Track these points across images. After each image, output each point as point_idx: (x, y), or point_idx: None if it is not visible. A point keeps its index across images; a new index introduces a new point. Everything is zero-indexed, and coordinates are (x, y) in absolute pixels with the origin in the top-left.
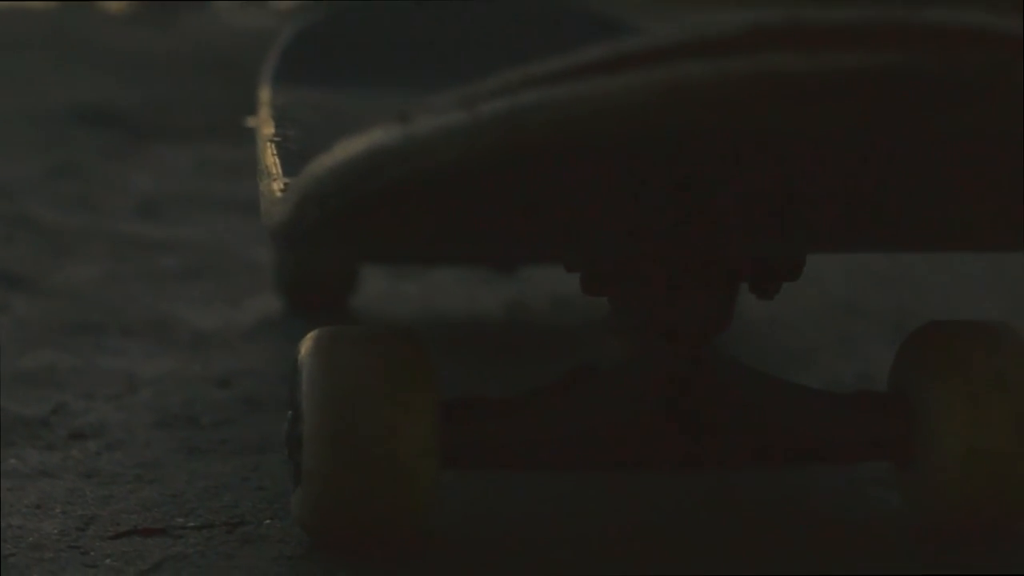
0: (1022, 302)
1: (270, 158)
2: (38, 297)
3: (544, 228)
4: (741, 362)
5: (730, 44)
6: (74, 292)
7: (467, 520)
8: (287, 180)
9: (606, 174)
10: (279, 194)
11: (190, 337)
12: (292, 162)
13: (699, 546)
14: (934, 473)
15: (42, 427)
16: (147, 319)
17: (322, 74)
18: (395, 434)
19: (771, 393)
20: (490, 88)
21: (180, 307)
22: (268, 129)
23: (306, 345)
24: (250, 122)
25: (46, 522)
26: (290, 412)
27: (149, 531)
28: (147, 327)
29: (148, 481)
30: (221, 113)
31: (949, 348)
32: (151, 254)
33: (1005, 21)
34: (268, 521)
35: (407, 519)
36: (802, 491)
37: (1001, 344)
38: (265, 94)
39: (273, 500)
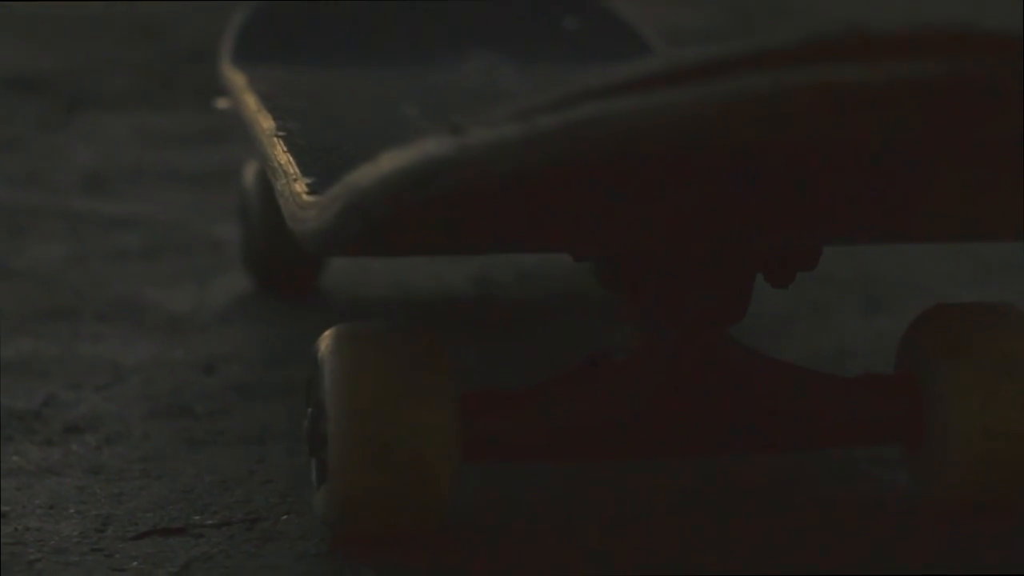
0: (985, 267)
1: (283, 156)
2: (5, 281)
3: (579, 228)
4: (753, 350)
5: (790, 56)
6: (41, 275)
7: (482, 511)
8: (308, 180)
9: (653, 180)
10: (306, 197)
11: (165, 320)
12: (305, 159)
13: (705, 531)
14: (947, 454)
15: (36, 420)
16: (119, 302)
17: (284, 51)
18: (420, 431)
19: (784, 380)
20: (548, 101)
21: (148, 288)
22: (267, 123)
23: (326, 343)
24: (220, 103)
25: (63, 523)
26: (310, 410)
27: (169, 531)
28: (120, 311)
29: (156, 476)
30: (151, 78)
31: (958, 330)
32: (109, 232)
33: None
34: (285, 517)
35: (432, 514)
36: (806, 472)
37: (1009, 326)
38: (236, 76)
39: (284, 494)
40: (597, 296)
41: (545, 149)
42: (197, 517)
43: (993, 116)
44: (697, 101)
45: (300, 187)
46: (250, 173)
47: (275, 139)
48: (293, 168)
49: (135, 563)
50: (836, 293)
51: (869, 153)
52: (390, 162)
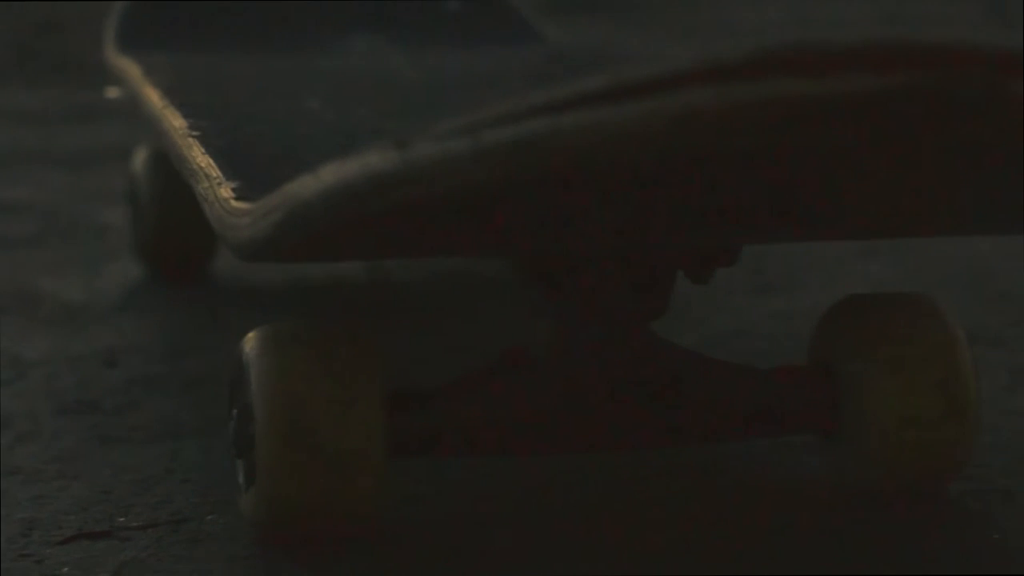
0: (870, 245)
1: (202, 159)
2: None
3: (518, 235)
4: (672, 343)
5: (737, 71)
6: None
7: (413, 508)
8: (233, 185)
9: (596, 190)
10: (236, 204)
11: (61, 311)
12: (225, 161)
13: (629, 520)
14: (865, 442)
15: None
16: (10, 292)
17: (169, 37)
18: (350, 430)
19: (706, 373)
20: (494, 116)
21: (39, 277)
22: (178, 121)
23: (251, 344)
24: (110, 92)
25: None
26: (235, 411)
27: (95, 534)
28: (13, 301)
29: (72, 477)
30: (5, 53)
31: (872, 321)
32: None
33: (1005, 42)
34: (210, 517)
35: (362, 513)
36: (723, 458)
37: (922, 315)
38: (129, 65)
39: (205, 493)
40: (484, 277)
41: (491, 164)
42: (121, 519)
43: (933, 126)
44: (644, 117)
45: (226, 192)
46: (139, 159)
47: (191, 139)
48: (216, 171)
49: (66, 569)
50: (727, 275)
51: (812, 162)
52: (333, 175)
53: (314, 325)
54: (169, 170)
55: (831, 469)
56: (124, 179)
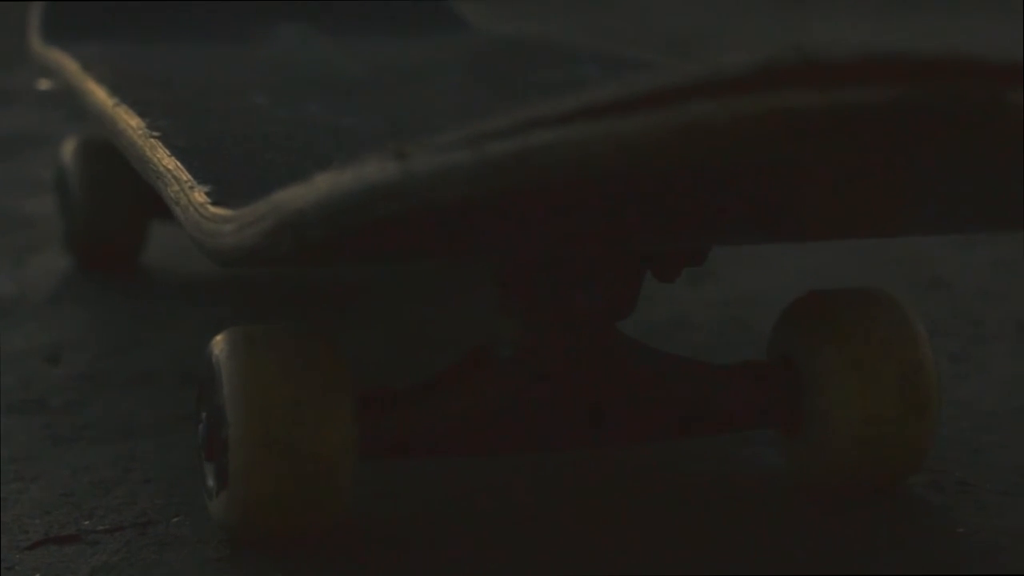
0: None
1: (169, 161)
2: None
3: (506, 240)
4: (639, 342)
5: (742, 82)
6: None
7: (382, 505)
8: (206, 189)
9: (592, 199)
10: (215, 210)
11: None
12: (192, 162)
13: (588, 519)
14: (825, 438)
15: None
16: None
17: (95, 27)
18: (323, 432)
19: (672, 370)
20: (497, 127)
21: None
22: (134, 120)
23: (221, 347)
24: (42, 84)
25: None
26: (204, 414)
27: (63, 539)
28: None
29: (31, 479)
30: None
31: (833, 317)
32: None
33: (1004, 54)
34: (176, 519)
35: (332, 514)
36: (680, 454)
37: (882, 311)
38: (62, 58)
39: (168, 494)
40: (433, 273)
41: (494, 176)
42: (86, 522)
43: (935, 136)
44: (649, 129)
45: (200, 197)
46: (69, 149)
47: (152, 140)
48: (185, 175)
49: (38, 575)
50: None
51: (812, 171)
52: (329, 185)
53: (283, 328)
54: (100, 160)
55: (791, 464)
56: (41, 167)
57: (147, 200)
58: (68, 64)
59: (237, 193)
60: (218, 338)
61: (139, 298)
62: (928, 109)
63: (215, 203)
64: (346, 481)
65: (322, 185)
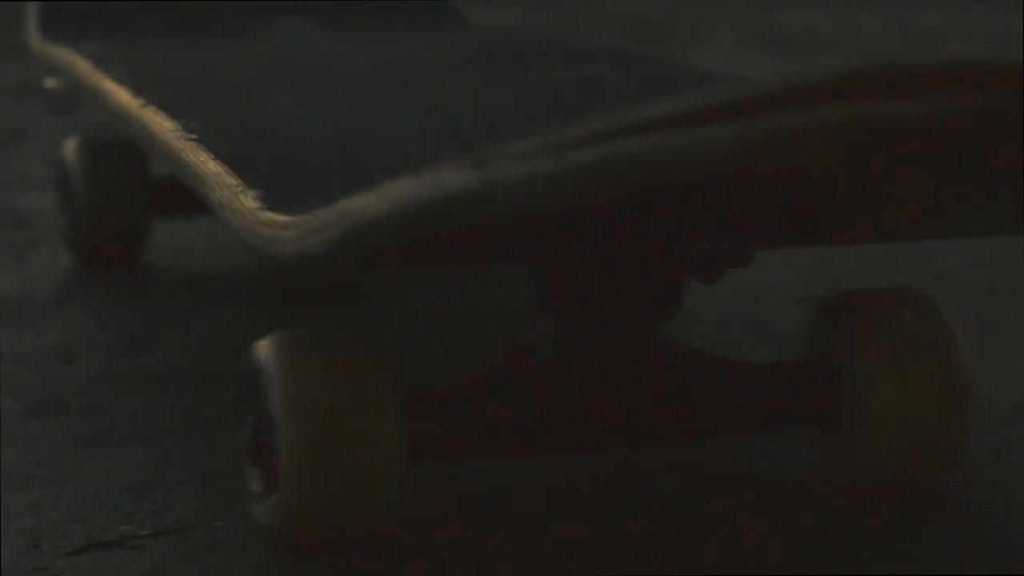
0: None
1: (211, 163)
2: None
3: (571, 246)
4: (679, 342)
5: (826, 92)
6: None
7: (422, 510)
8: (257, 193)
9: (664, 207)
10: (272, 215)
11: (1, 305)
12: (236, 165)
13: (624, 519)
14: (866, 436)
15: None
16: None
17: (93, 25)
18: (372, 437)
19: (715, 370)
20: (580, 136)
21: None
22: (167, 122)
23: (268, 352)
24: (49, 83)
25: None
26: (250, 419)
27: (106, 544)
28: None
29: (63, 483)
30: None
31: (871, 316)
32: None
33: None
34: (217, 523)
35: (379, 518)
36: (714, 453)
37: (919, 310)
38: (70, 56)
39: (204, 498)
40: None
41: (575, 184)
42: (126, 527)
43: (1015, 141)
44: (734, 139)
45: (253, 202)
46: (71, 147)
47: (191, 143)
48: (234, 179)
49: None
50: None
51: (890, 176)
52: (403, 194)
53: (329, 331)
54: (104, 159)
55: (827, 462)
56: (25, 162)
57: (151, 198)
58: (79, 63)
59: (287, 197)
60: (263, 342)
61: (143, 297)
62: (1013, 115)
63: (269, 208)
64: (394, 485)
65: (395, 193)
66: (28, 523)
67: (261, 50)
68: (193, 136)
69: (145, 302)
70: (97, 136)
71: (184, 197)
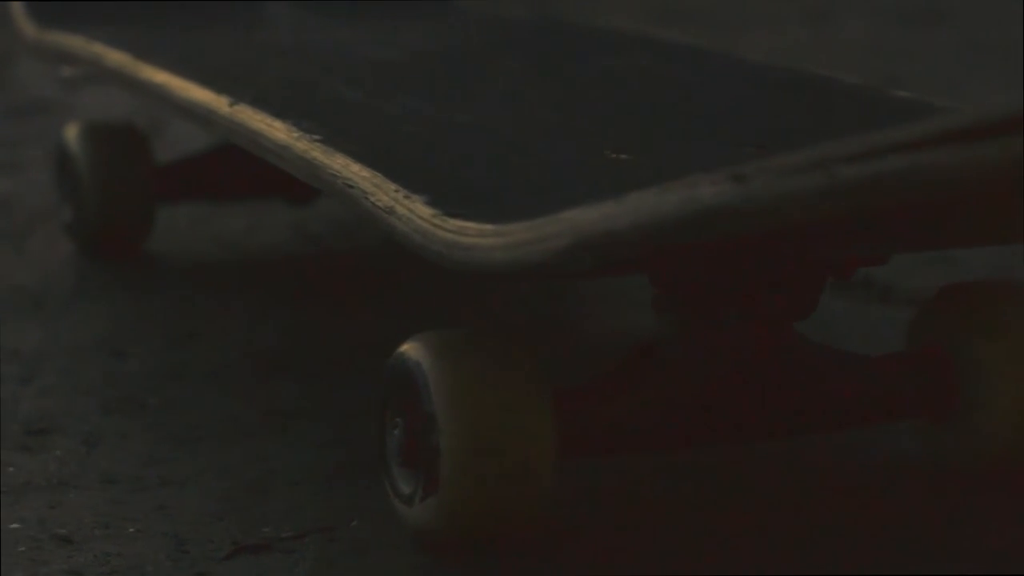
0: None
1: (355, 166)
2: None
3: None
4: (805, 337)
5: None
6: None
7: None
8: (425, 198)
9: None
10: (457, 222)
11: (25, 298)
12: (379, 167)
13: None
14: (981, 426)
15: None
16: None
17: (84, 13)
18: (530, 435)
19: (837, 363)
20: (848, 152)
21: None
22: (274, 122)
23: (422, 353)
24: (66, 71)
25: (134, 545)
26: (399, 419)
27: (254, 547)
28: None
29: (178, 484)
30: None
31: (985, 307)
32: None
33: None
34: (354, 523)
35: (535, 516)
36: (812, 445)
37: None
38: (84, 43)
39: (329, 496)
40: None
41: (842, 200)
42: (266, 530)
43: None
44: (1011, 154)
45: (424, 208)
46: (72, 134)
47: (322, 146)
48: (391, 183)
49: None
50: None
51: None
52: (650, 206)
53: (481, 331)
54: (109, 146)
55: (938, 453)
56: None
57: (155, 186)
58: (110, 53)
59: (455, 202)
60: (413, 344)
61: (159, 288)
62: None
63: (449, 215)
64: (550, 483)
65: (639, 206)
66: (164, 526)
67: (262, 38)
68: (318, 138)
69: (165, 292)
70: (100, 122)
71: (188, 183)
